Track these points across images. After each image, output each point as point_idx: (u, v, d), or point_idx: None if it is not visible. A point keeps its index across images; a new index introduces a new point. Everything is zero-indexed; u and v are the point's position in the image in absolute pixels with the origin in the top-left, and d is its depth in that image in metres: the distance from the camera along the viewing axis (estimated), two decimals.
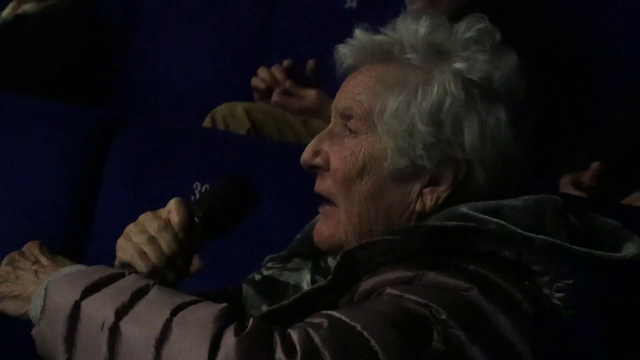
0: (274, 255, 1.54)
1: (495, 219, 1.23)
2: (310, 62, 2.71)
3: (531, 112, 1.34)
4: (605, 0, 2.79)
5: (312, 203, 1.41)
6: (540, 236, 1.22)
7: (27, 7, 3.51)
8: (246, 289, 1.49)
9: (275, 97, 2.66)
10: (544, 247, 1.21)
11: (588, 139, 2.45)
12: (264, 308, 1.45)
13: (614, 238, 1.32)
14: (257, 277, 1.51)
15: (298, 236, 1.52)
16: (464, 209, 1.26)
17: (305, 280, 1.47)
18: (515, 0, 2.64)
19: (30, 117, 2.33)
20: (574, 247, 1.22)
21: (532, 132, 1.34)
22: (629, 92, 2.56)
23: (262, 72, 2.71)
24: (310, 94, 2.65)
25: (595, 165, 2.19)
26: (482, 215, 1.24)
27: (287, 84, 2.66)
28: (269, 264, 1.53)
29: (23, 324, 1.27)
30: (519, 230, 1.22)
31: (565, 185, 2.20)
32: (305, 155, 1.37)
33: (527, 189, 1.33)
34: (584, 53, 2.74)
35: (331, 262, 1.46)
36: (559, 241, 1.22)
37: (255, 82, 2.72)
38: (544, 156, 1.50)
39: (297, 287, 1.47)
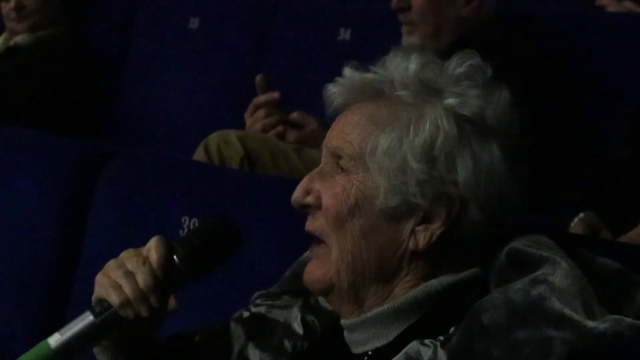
0: (263, 291, 1.51)
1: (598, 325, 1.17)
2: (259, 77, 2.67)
3: (525, 148, 1.32)
4: (596, 33, 2.80)
5: (302, 239, 1.38)
6: (626, 323, 1.18)
7: (19, 39, 3.52)
8: (234, 327, 1.46)
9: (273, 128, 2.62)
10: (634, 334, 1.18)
11: (581, 173, 2.44)
12: (251, 346, 1.42)
13: (619, 284, 1.28)
14: (246, 314, 1.48)
15: (287, 273, 1.49)
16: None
17: (295, 319, 1.43)
18: (507, 37, 2.64)
19: (18, 149, 2.32)
20: None
21: (526, 168, 1.32)
22: (622, 124, 2.55)
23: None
24: (311, 122, 2.63)
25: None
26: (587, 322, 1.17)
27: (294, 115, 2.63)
28: (258, 301, 1.50)
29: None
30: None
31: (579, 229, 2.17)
32: (297, 194, 1.34)
33: (523, 226, 1.31)
34: (575, 86, 2.73)
35: (322, 300, 1.43)
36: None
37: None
38: (536, 191, 1.47)
39: (287, 325, 1.43)
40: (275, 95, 2.62)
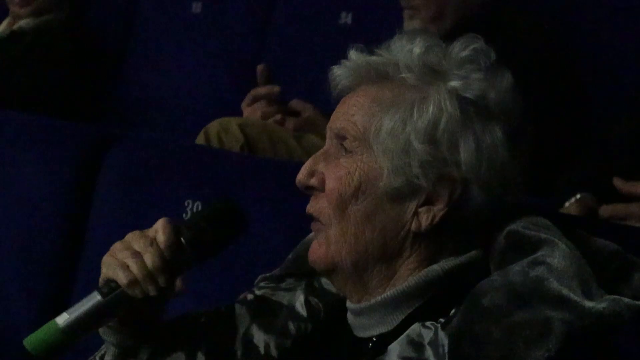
0: (267, 274, 1.52)
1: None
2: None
3: (526, 131, 1.34)
4: (600, 16, 2.80)
5: (304, 222, 1.39)
6: (624, 303, 1.19)
7: (22, 23, 3.52)
8: (238, 309, 1.47)
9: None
10: (632, 314, 1.19)
11: (581, 155, 2.44)
12: (255, 328, 1.44)
13: (616, 264, 1.30)
14: (250, 296, 1.49)
15: (291, 256, 1.50)
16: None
17: (298, 301, 1.45)
18: (509, 20, 2.64)
19: (21, 134, 2.32)
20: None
21: (527, 151, 1.33)
22: (623, 107, 2.55)
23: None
24: (307, 109, 2.64)
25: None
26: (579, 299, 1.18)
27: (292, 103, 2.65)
28: (262, 284, 1.51)
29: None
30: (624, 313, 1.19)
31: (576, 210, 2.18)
32: (301, 176, 1.35)
33: (522, 208, 1.32)
34: (577, 69, 2.73)
35: (325, 282, 1.45)
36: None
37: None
38: (537, 173, 1.48)
39: (291, 307, 1.45)
40: (276, 89, 2.63)
